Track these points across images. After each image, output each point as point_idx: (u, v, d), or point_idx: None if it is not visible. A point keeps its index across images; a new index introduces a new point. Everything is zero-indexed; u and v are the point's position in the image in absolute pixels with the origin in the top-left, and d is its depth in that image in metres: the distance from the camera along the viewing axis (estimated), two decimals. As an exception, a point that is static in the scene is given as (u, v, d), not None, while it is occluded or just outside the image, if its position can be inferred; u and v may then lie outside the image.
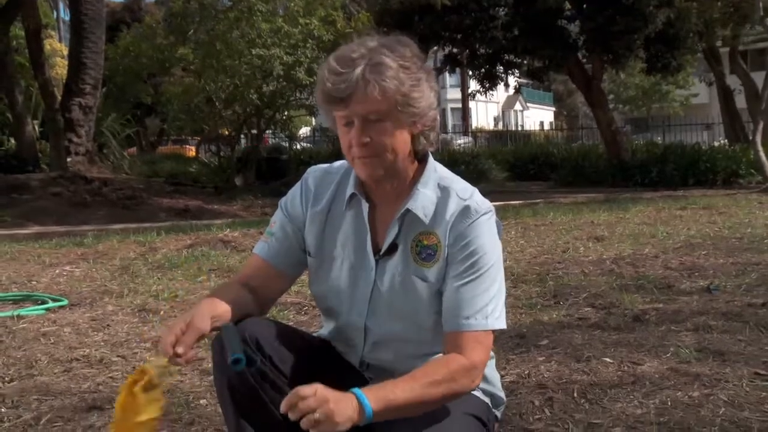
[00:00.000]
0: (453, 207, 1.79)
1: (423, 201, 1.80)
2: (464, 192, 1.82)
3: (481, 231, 1.77)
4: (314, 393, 1.48)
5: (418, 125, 1.76)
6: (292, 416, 1.48)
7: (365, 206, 1.85)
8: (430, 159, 1.86)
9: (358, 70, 1.66)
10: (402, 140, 1.75)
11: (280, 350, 1.75)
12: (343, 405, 1.50)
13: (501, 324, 1.76)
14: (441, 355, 1.75)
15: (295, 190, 1.95)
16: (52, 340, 3.90)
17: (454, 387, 1.67)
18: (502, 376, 2.01)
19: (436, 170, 1.85)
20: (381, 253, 1.83)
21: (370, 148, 1.71)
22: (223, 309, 1.73)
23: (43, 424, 2.70)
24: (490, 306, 1.74)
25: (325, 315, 1.98)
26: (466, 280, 1.74)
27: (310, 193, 1.92)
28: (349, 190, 1.86)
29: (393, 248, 1.82)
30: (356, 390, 1.54)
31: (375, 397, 1.55)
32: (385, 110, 1.69)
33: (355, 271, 1.85)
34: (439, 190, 1.82)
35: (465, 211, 1.78)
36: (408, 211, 1.80)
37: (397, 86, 1.68)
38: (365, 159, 1.73)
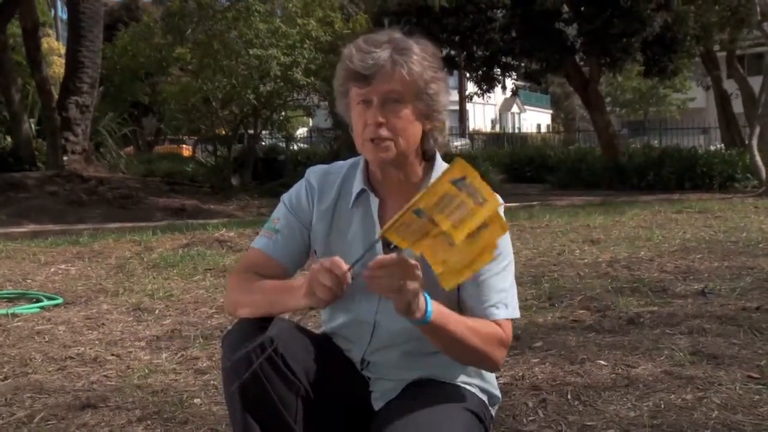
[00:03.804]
0: None
1: None
2: None
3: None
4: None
5: (430, 122, 1.81)
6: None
7: (375, 201, 1.85)
8: (438, 156, 1.89)
9: (387, 51, 1.73)
10: (414, 131, 1.78)
11: (292, 349, 1.74)
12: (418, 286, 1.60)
13: (517, 313, 1.87)
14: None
15: (299, 188, 1.94)
16: (47, 339, 3.90)
17: (486, 348, 1.76)
18: (496, 377, 2.02)
19: (443, 166, 1.88)
20: (391, 247, 1.83)
21: (384, 129, 1.74)
22: None
23: (36, 422, 2.69)
24: (509, 296, 1.84)
25: (331, 312, 1.96)
26: (489, 275, 1.81)
27: (315, 191, 1.91)
28: (357, 186, 1.86)
29: None
30: (426, 293, 1.64)
31: (437, 308, 1.66)
32: (406, 93, 1.74)
33: (364, 267, 1.85)
34: None
35: None
36: None
37: (420, 72, 1.74)
38: (378, 141, 1.75)
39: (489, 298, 1.80)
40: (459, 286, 1.81)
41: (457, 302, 1.83)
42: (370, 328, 1.86)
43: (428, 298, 1.64)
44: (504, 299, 1.82)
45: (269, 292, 1.77)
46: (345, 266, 1.59)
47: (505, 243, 1.85)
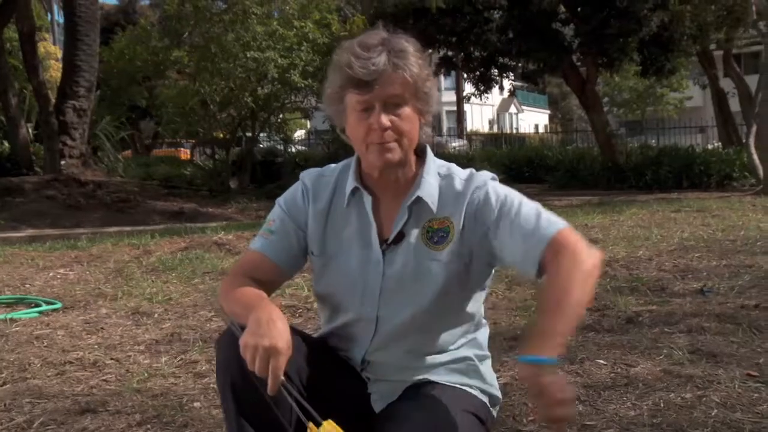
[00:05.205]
0: (459, 187, 1.84)
1: (429, 189, 1.84)
2: (464, 173, 1.88)
3: (496, 187, 1.82)
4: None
5: (424, 117, 1.82)
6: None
7: (368, 199, 1.86)
8: (429, 150, 1.90)
9: (384, 55, 1.72)
10: (415, 128, 1.80)
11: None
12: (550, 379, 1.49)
13: (563, 222, 1.76)
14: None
15: (294, 189, 1.95)
16: (46, 343, 3.89)
17: (587, 269, 1.64)
18: (496, 378, 2.02)
19: (434, 160, 1.90)
20: (388, 242, 1.84)
21: (390, 132, 1.75)
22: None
23: (35, 427, 2.69)
24: (544, 214, 1.75)
25: (332, 312, 1.95)
26: (512, 215, 1.75)
27: (310, 192, 1.92)
28: (350, 185, 1.87)
29: (401, 237, 1.84)
30: (526, 358, 1.52)
31: (539, 342, 1.54)
32: (407, 95, 1.75)
33: (362, 264, 1.85)
34: (440, 177, 1.86)
35: (473, 183, 1.83)
36: (419, 198, 1.83)
37: (419, 72, 1.75)
38: (385, 144, 1.75)
39: (531, 225, 1.72)
40: (495, 248, 1.78)
41: (481, 267, 1.83)
42: (372, 324, 1.85)
43: (534, 360, 1.52)
44: (545, 218, 1.73)
45: (247, 305, 1.73)
46: (278, 384, 1.56)
47: (505, 188, 1.83)
